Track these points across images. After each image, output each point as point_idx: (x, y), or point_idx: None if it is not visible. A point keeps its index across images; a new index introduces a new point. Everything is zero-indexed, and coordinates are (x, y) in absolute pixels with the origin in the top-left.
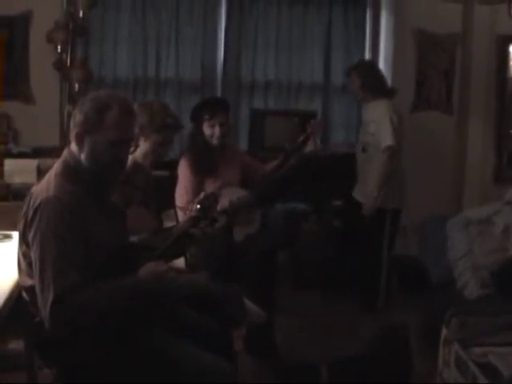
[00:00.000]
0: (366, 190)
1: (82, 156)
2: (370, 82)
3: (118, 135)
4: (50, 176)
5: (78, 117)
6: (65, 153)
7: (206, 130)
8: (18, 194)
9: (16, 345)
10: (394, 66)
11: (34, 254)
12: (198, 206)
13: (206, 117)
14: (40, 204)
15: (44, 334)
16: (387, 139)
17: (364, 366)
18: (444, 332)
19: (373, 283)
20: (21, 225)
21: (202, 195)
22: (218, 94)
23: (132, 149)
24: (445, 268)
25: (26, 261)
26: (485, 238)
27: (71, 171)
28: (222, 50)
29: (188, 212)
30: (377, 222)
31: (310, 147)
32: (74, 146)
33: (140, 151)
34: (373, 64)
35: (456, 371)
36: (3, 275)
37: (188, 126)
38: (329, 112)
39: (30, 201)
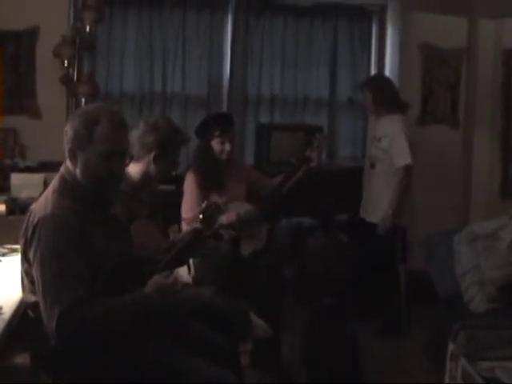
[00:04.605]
0: (379, 208)
1: (77, 172)
2: (385, 96)
3: (109, 148)
4: (48, 193)
5: (69, 133)
6: (61, 169)
7: (216, 145)
8: (25, 208)
9: (22, 359)
10: (400, 81)
11: (35, 272)
12: (201, 216)
13: (217, 133)
14: (38, 222)
15: (50, 348)
16: (405, 158)
17: None
18: (451, 346)
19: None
20: (21, 243)
21: (203, 204)
22: (224, 108)
23: (128, 160)
24: (451, 282)
25: (28, 278)
26: (491, 252)
27: (68, 187)
28: (228, 64)
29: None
30: (390, 239)
31: (315, 161)
32: (69, 162)
33: (153, 170)
34: (387, 78)
35: None
36: (10, 289)
37: (193, 141)
38: (335, 127)
39: (29, 218)
